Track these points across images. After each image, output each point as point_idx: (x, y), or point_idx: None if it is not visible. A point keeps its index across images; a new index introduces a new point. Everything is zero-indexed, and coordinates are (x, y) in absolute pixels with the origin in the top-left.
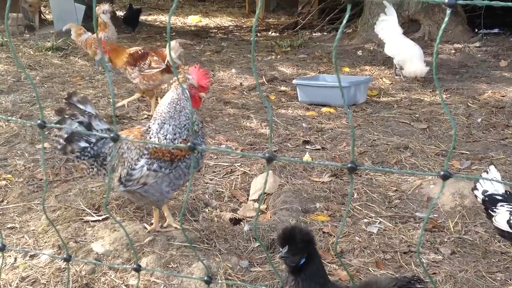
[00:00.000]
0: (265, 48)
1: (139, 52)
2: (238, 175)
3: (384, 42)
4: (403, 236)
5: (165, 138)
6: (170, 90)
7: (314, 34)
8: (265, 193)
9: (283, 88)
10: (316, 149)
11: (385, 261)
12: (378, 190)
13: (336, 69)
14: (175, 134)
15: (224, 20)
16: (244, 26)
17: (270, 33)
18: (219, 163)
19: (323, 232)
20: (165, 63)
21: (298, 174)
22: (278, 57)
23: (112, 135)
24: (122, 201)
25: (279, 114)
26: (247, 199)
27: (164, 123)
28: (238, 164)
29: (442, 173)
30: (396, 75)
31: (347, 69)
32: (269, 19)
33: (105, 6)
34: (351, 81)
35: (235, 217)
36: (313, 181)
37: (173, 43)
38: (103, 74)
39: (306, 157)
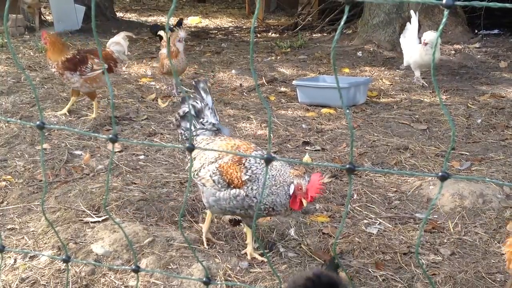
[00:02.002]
0: (265, 49)
1: (77, 57)
2: None
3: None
4: (403, 237)
5: (253, 193)
6: (285, 168)
7: (314, 35)
8: None
9: (283, 89)
10: (316, 150)
11: (385, 262)
12: (378, 191)
13: (334, 70)
14: (257, 197)
15: (224, 21)
16: (244, 27)
17: (270, 34)
18: None
19: (323, 233)
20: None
21: None
22: (278, 58)
23: (187, 145)
24: (121, 202)
25: (279, 115)
26: None
27: (258, 180)
28: None
29: (440, 174)
30: (415, 83)
31: (347, 70)
32: (269, 20)
33: (182, 33)
34: (350, 82)
35: (234, 218)
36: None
37: (118, 36)
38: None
39: (306, 158)
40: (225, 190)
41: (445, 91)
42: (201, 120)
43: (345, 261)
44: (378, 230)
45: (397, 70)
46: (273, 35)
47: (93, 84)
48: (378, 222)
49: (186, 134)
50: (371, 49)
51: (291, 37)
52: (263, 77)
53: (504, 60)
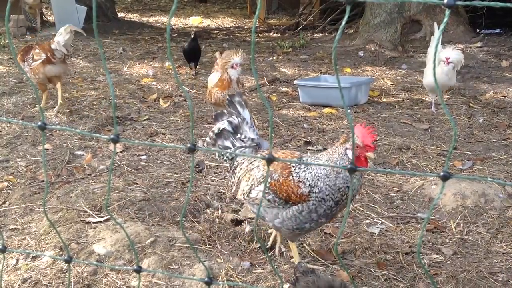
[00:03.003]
0: (266, 49)
1: (26, 47)
2: None
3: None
4: (405, 237)
5: (316, 197)
6: (332, 147)
7: (315, 35)
8: None
9: (284, 89)
10: (318, 149)
11: (387, 262)
12: (379, 190)
13: (336, 70)
14: (327, 195)
15: (226, 21)
16: (245, 27)
17: (271, 34)
18: (221, 164)
19: (325, 233)
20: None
21: None
22: (280, 58)
23: (267, 156)
24: (123, 202)
25: (280, 115)
26: None
27: (318, 180)
28: None
29: (442, 173)
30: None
31: (348, 70)
32: (270, 20)
33: (237, 58)
34: (352, 82)
35: (236, 218)
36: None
37: (62, 28)
38: (104, 75)
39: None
40: (286, 208)
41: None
42: (239, 136)
43: (347, 261)
44: (380, 230)
45: (399, 70)
46: (275, 35)
47: (36, 75)
48: (380, 222)
49: (223, 154)
50: (373, 48)
51: (293, 37)
52: (264, 77)
53: (506, 60)
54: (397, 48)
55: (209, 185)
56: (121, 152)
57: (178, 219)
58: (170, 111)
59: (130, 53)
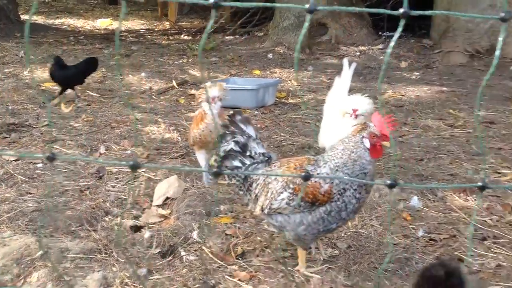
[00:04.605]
0: (176, 51)
1: None
2: (142, 181)
3: None
4: None
5: (338, 190)
6: (348, 136)
7: (226, 38)
8: (169, 198)
9: (193, 91)
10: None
11: (285, 259)
12: None
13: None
14: (346, 184)
15: (136, 23)
16: (156, 29)
17: (182, 36)
18: (123, 170)
19: (226, 235)
20: None
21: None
22: (190, 60)
23: (304, 174)
24: (14, 214)
25: (188, 118)
26: (151, 205)
27: (337, 170)
28: (143, 170)
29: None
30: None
31: (257, 72)
32: (181, 23)
33: (215, 90)
34: (259, 84)
35: (136, 224)
36: (218, 183)
37: None
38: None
39: (212, 160)
40: (311, 211)
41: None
42: (249, 153)
43: (247, 261)
44: None
45: (305, 71)
46: (186, 37)
47: None
48: None
49: (233, 175)
50: (281, 51)
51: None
52: (173, 80)
53: (405, 61)
54: (304, 50)
55: (110, 192)
56: (15, 160)
57: (73, 228)
58: (72, 116)
59: (32, 56)
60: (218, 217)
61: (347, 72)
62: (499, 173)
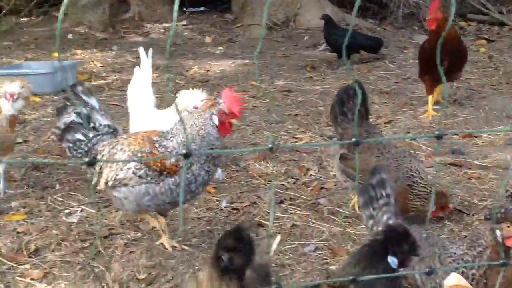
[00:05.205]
0: None
1: None
2: None
3: None
4: (105, 220)
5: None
6: (197, 111)
7: (21, 20)
8: None
9: None
10: (18, 142)
11: (83, 249)
12: (83, 177)
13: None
14: (196, 160)
15: None
16: None
17: None
18: None
19: (18, 232)
20: None
21: None
22: None
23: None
24: None
25: None
26: None
27: (185, 145)
28: None
29: None
30: None
31: (56, 54)
32: None
33: (13, 85)
34: (55, 67)
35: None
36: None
37: None
38: None
39: None
40: (159, 182)
41: (156, 68)
42: (92, 125)
43: (41, 258)
44: (79, 218)
45: (110, 51)
46: None
47: None
48: (80, 209)
49: (76, 147)
50: (83, 31)
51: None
52: None
53: (209, 36)
54: (107, 29)
55: None
56: None
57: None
58: None
59: None
60: (9, 215)
61: (146, 61)
62: (296, 138)
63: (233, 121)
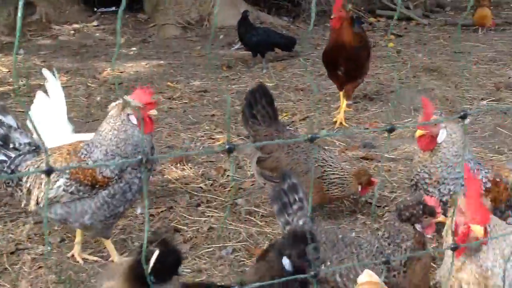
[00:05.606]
0: None
1: None
2: None
3: None
4: (12, 235)
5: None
6: (112, 116)
7: None
8: None
9: None
10: None
11: None
12: None
13: None
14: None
15: None
16: None
17: None
18: None
19: None
20: None
21: None
22: None
23: (46, 168)
24: None
25: None
26: None
27: (112, 154)
28: None
29: None
30: None
31: None
32: None
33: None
34: None
35: None
36: None
37: None
38: None
39: None
40: (93, 196)
41: (65, 72)
42: (12, 145)
43: None
44: None
45: (16, 55)
46: None
47: None
48: None
49: (5, 169)
50: None
51: None
52: None
53: (122, 36)
54: (13, 33)
55: None
56: None
57: None
58: None
59: None
60: None
61: (55, 84)
62: (213, 138)
63: (152, 113)
